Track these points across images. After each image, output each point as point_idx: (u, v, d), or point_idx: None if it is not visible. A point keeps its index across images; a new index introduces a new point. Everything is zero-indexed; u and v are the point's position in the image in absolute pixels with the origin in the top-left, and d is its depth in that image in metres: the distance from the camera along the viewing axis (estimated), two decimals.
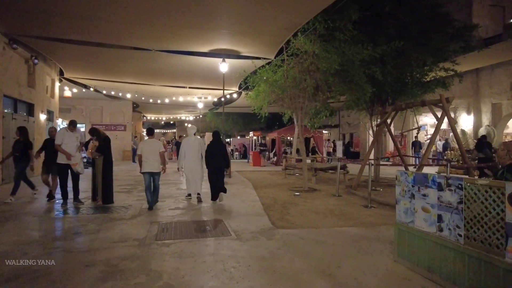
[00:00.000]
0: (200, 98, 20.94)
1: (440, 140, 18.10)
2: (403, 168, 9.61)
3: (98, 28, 9.21)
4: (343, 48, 8.31)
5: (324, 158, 20.60)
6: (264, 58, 11.19)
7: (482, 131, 14.62)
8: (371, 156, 10.97)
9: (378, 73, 8.82)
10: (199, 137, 8.55)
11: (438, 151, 17.93)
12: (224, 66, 11.54)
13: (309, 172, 10.90)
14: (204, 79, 16.28)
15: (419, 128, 8.90)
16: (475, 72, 14.61)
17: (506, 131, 15.09)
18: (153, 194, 6.88)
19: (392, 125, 9.98)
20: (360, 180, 9.86)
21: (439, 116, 7.70)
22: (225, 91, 19.54)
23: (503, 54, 12.17)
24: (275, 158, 20.92)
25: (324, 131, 24.21)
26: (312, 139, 20.60)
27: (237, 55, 11.80)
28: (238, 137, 36.37)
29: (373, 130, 12.41)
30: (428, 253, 3.50)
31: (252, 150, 22.06)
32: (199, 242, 4.69)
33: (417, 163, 17.85)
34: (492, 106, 14.48)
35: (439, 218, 3.36)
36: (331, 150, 22.19)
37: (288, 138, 26.42)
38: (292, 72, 8.95)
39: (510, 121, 14.79)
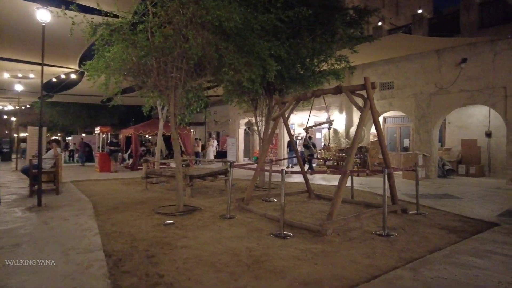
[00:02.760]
0: (16, 76, 14.68)
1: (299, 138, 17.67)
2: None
3: None
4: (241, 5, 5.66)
5: (192, 161, 17.74)
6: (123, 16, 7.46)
7: (353, 131, 14.60)
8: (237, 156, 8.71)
9: (281, 49, 6.53)
10: None
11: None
12: (43, 14, 6.96)
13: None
14: (19, 42, 10.95)
15: (331, 122, 7.06)
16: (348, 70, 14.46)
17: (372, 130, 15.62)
18: None
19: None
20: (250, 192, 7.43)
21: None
22: (56, 68, 14.10)
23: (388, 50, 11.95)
24: (131, 161, 16.77)
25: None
26: (180, 137, 17.35)
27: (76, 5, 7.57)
28: (83, 135, 29.49)
29: (258, 126, 10.29)
30: None
31: (99, 150, 17.14)
32: None
33: (292, 163, 17.02)
34: (362, 105, 14.61)
35: None
36: (199, 150, 19.47)
37: (147, 136, 22.35)
38: (165, 30, 5.73)
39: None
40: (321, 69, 9.30)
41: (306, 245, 4.41)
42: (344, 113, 15.00)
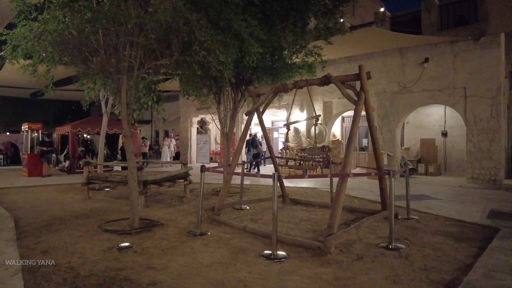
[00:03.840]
0: None
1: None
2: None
3: None
4: None
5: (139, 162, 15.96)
6: None
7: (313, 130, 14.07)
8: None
9: (259, 30, 5.53)
10: None
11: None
12: None
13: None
14: None
15: (317, 117, 6.22)
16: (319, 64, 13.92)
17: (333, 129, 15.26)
18: None
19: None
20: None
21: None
22: None
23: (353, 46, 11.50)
24: (67, 163, 14.54)
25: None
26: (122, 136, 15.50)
27: None
28: (8, 133, 25.62)
29: (222, 123, 9.17)
30: None
31: (26, 151, 14.59)
32: None
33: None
34: (324, 104, 14.20)
35: None
36: (146, 150, 17.67)
37: (86, 136, 19.85)
38: None
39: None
40: (293, 61, 8.48)
41: (312, 270, 3.46)
42: (305, 112, 14.45)
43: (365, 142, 15.48)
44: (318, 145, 13.67)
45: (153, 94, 9.80)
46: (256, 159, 14.21)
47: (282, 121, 19.29)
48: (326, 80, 5.53)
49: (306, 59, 8.27)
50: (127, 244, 4.15)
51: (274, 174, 4.06)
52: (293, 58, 8.26)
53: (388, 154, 11.97)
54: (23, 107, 23.53)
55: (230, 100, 9.13)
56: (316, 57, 8.25)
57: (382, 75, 12.63)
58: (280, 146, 19.71)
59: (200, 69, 5.09)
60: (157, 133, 26.35)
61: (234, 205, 6.73)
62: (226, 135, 8.94)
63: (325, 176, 7.63)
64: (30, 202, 7.36)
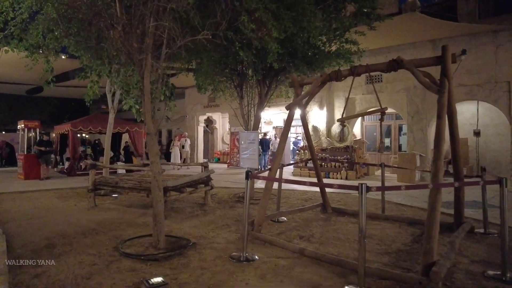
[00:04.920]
0: None
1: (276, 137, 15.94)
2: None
3: None
4: None
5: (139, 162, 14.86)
6: None
7: (335, 128, 13.05)
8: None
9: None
10: None
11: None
12: None
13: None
14: None
15: (384, 111, 5.14)
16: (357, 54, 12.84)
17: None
18: None
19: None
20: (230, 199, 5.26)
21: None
22: None
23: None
24: (68, 164, 13.42)
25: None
26: (129, 134, 14.42)
27: None
28: (3, 132, 24.37)
29: (245, 120, 8.09)
30: None
31: (23, 151, 13.43)
32: None
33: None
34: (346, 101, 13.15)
35: None
36: None
37: (85, 135, 18.72)
38: None
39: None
40: (330, 49, 7.41)
41: None
42: (324, 109, 13.40)
43: (387, 142, 14.45)
44: (339, 145, 12.64)
45: (165, 88, 8.77)
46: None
47: (298, 119, 18.17)
48: (395, 65, 4.47)
49: (342, 48, 7.22)
50: (159, 280, 3.06)
51: (361, 184, 2.99)
52: (331, 45, 7.20)
53: (420, 155, 10.95)
54: (19, 105, 22.29)
55: (253, 93, 8.07)
56: (352, 46, 7.23)
57: None
58: (291, 146, 18.72)
59: (242, 49, 4.00)
60: (159, 132, 25.24)
61: (270, 216, 5.66)
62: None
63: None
64: (27, 211, 6.26)
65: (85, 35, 4.30)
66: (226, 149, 19.51)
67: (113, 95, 8.94)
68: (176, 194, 6.14)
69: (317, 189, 8.85)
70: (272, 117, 18.07)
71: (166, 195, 5.78)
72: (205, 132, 20.80)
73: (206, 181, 6.89)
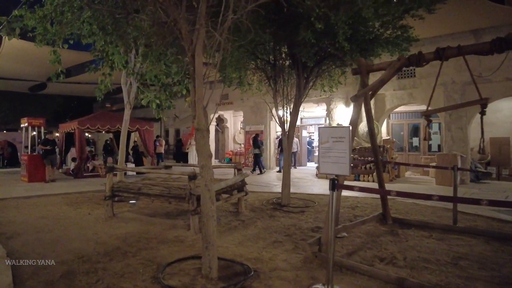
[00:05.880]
0: None
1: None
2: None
3: None
4: None
5: (154, 163, 13.96)
6: None
7: (363, 127, 12.11)
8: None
9: None
10: None
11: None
12: None
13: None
14: None
15: (486, 103, 4.21)
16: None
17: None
18: None
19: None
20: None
21: None
22: None
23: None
24: (73, 165, 12.48)
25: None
26: (139, 133, 13.49)
27: None
28: (5, 131, 23.48)
29: (280, 119, 7.15)
30: None
31: (26, 152, 12.50)
32: None
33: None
34: (375, 98, 12.23)
35: None
36: (162, 150, 15.63)
37: (87, 135, 17.81)
38: None
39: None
40: (386, 34, 6.45)
41: None
42: (351, 106, 12.39)
43: (416, 141, 13.52)
44: (368, 145, 11.69)
45: (187, 81, 7.86)
46: (258, 159, 12.98)
47: (314, 118, 17.23)
48: (502, 45, 3.52)
49: (396, 33, 6.27)
50: None
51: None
52: (384, 31, 6.24)
53: (461, 156, 9.99)
54: (21, 103, 21.36)
55: (289, 86, 7.15)
56: (401, 32, 6.30)
57: (450, 62, 10.41)
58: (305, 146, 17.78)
59: (318, 20, 3.05)
60: (167, 132, 24.32)
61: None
62: (287, 133, 6.93)
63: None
64: (34, 223, 5.32)
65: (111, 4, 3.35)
66: (239, 149, 18.58)
67: (129, 88, 7.98)
68: None
69: (356, 193, 7.92)
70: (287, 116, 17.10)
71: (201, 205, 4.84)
72: (215, 131, 19.91)
73: (240, 186, 5.96)
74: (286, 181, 6.81)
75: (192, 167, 7.55)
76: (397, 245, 4.25)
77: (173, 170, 7.35)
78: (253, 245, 4.24)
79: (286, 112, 7.09)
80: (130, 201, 6.88)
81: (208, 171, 3.15)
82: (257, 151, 12.98)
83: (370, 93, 4.73)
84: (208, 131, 3.14)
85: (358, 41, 5.62)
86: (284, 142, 6.99)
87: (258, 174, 12.72)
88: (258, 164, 13.03)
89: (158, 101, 7.31)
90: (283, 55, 6.87)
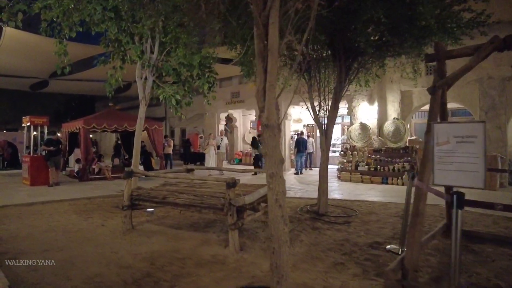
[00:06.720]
0: None
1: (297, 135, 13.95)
2: None
3: None
4: None
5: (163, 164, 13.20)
6: None
7: (388, 126, 11.35)
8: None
9: None
10: None
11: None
12: None
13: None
14: None
15: None
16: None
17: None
18: None
19: None
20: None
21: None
22: None
23: None
24: (79, 167, 11.68)
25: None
26: (147, 133, 12.69)
27: None
28: (4, 131, 22.66)
29: (316, 115, 6.35)
30: None
31: (28, 153, 11.69)
32: None
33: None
34: (402, 94, 11.44)
35: None
36: (170, 151, 14.83)
37: (92, 136, 16.97)
38: None
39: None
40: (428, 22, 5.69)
41: None
42: (375, 104, 11.66)
43: None
44: (394, 145, 10.93)
45: (209, 75, 7.09)
46: (258, 160, 12.08)
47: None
48: None
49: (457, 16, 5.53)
50: None
51: None
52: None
53: (501, 157, 9.22)
54: (22, 102, 20.55)
55: (327, 78, 6.37)
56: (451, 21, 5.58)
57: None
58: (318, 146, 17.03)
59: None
60: (172, 131, 23.57)
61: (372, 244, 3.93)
62: (325, 132, 6.14)
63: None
64: (41, 238, 4.53)
65: None
66: (249, 150, 17.81)
67: (144, 83, 7.17)
68: (251, 214, 4.42)
69: (390, 198, 7.08)
70: (301, 115, 16.34)
71: (242, 217, 4.06)
72: (225, 130, 19.15)
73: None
74: (323, 188, 6.03)
75: (218, 170, 6.76)
76: (486, 267, 3.48)
77: (201, 175, 6.55)
78: (311, 268, 3.46)
79: (323, 108, 6.29)
80: (148, 209, 6.10)
81: (279, 181, 2.38)
82: (257, 151, 12.24)
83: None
84: (279, 129, 2.35)
85: (443, 23, 4.88)
86: (322, 142, 6.21)
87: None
88: (258, 165, 12.12)
89: (178, 97, 6.52)
90: (320, 46, 6.09)
